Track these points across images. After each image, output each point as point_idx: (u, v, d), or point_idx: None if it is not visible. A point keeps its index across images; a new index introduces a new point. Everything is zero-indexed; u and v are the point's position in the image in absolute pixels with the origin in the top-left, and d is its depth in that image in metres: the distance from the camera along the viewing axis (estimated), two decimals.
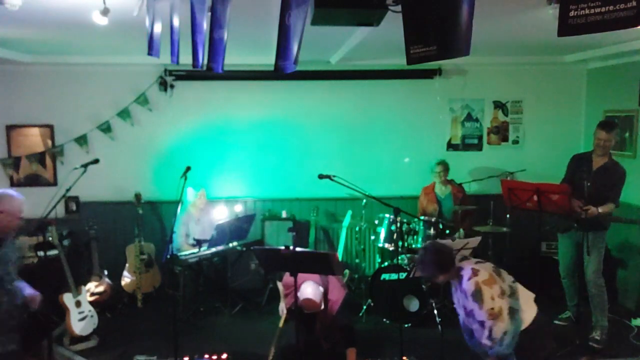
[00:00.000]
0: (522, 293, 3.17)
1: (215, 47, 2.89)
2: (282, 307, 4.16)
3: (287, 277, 3.81)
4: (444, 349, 4.01)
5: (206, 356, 4.43)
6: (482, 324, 2.99)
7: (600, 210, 4.37)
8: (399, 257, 5.25)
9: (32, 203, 5.56)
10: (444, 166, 5.74)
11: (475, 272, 3.08)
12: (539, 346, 3.10)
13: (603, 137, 4.51)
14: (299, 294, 3.81)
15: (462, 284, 3.13)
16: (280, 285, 4.24)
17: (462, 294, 3.13)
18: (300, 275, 3.93)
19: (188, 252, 5.24)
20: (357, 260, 6.23)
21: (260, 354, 4.48)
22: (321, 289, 3.96)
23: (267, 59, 3.43)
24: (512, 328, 2.95)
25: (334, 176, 4.37)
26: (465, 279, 3.12)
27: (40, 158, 6.03)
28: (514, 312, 2.98)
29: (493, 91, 6.41)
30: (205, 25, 2.90)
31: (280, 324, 4.04)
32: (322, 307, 3.95)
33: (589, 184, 4.41)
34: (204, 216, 5.71)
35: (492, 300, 2.98)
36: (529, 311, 3.09)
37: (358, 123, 6.29)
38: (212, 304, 5.51)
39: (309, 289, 3.87)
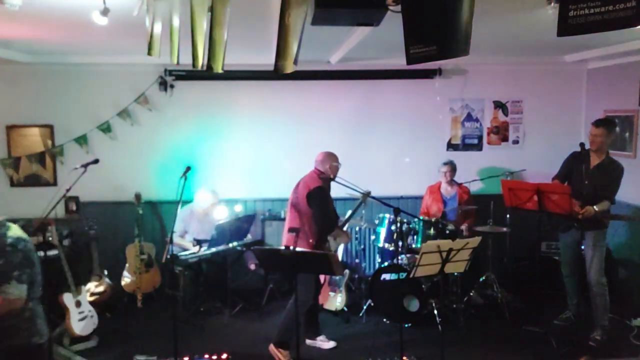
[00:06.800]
0: None
1: (215, 47, 2.89)
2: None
3: None
4: (444, 349, 4.00)
5: (206, 356, 4.44)
6: None
7: (596, 208, 4.40)
8: (399, 257, 5.25)
9: (32, 203, 5.65)
10: (450, 167, 5.69)
11: None
12: None
13: (593, 132, 4.57)
14: None
15: None
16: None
17: None
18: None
19: (188, 252, 5.24)
20: (357, 260, 6.23)
21: (260, 354, 4.48)
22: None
23: (267, 59, 3.42)
24: None
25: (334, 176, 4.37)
26: None
27: (40, 158, 6.02)
28: None
29: (493, 91, 6.41)
30: (205, 25, 2.90)
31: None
32: None
33: (586, 181, 4.44)
34: (207, 217, 5.71)
35: None
36: None
37: (358, 123, 6.29)
38: (212, 304, 5.51)
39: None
